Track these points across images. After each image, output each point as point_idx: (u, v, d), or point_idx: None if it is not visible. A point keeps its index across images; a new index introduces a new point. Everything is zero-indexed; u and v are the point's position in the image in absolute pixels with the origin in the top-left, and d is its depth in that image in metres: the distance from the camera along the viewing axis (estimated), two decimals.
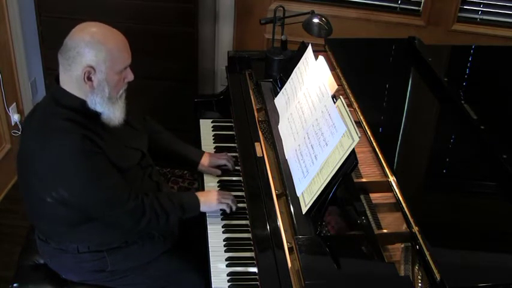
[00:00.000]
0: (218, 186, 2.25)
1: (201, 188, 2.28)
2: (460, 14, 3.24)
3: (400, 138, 2.10)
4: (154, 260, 2.06)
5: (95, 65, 1.77)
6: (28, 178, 1.89)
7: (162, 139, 2.26)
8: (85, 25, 1.82)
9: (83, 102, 1.82)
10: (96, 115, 1.84)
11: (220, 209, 2.07)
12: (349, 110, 1.78)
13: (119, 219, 1.91)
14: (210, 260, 1.95)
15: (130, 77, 1.87)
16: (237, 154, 2.32)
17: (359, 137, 1.67)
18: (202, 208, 2.05)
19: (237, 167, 2.29)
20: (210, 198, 2.06)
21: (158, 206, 1.94)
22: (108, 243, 1.98)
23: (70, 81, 1.81)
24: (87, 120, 1.81)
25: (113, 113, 1.85)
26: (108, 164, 1.83)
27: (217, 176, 2.28)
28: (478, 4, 3.21)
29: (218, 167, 2.29)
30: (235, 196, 2.17)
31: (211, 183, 2.26)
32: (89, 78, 1.78)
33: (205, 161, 2.27)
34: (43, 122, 1.82)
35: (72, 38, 1.79)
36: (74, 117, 1.79)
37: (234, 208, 2.08)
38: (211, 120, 2.60)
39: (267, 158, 2.08)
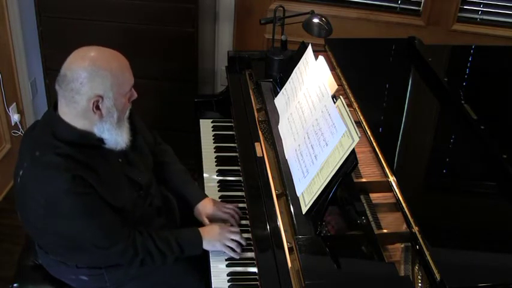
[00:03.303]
0: (218, 187, 2.25)
1: (201, 188, 2.28)
2: (460, 14, 3.24)
3: (400, 138, 2.10)
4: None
5: (102, 93, 1.70)
6: (23, 205, 1.85)
7: (168, 171, 2.15)
8: (83, 51, 1.72)
9: (84, 134, 1.75)
10: (97, 146, 1.79)
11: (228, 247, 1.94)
12: (349, 110, 1.78)
13: (110, 258, 1.88)
14: (210, 260, 1.95)
15: (134, 95, 1.83)
16: (237, 154, 2.32)
17: (359, 137, 1.67)
18: (205, 247, 1.95)
19: (237, 167, 2.28)
20: (214, 238, 1.94)
21: (153, 247, 1.87)
22: (106, 265, 1.95)
23: (74, 113, 1.73)
24: (84, 154, 1.74)
25: (120, 136, 1.80)
26: (98, 205, 1.76)
27: (217, 176, 2.27)
28: (478, 4, 3.21)
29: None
30: (236, 196, 2.18)
31: (211, 183, 2.26)
32: (97, 107, 1.72)
33: (203, 208, 2.07)
34: (37, 154, 1.74)
35: (71, 68, 1.69)
36: (69, 152, 1.71)
37: (243, 243, 1.95)
38: (211, 120, 2.60)
39: (267, 158, 2.08)
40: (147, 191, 1.98)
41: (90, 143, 1.78)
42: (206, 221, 2.06)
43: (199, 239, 1.94)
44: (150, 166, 2.05)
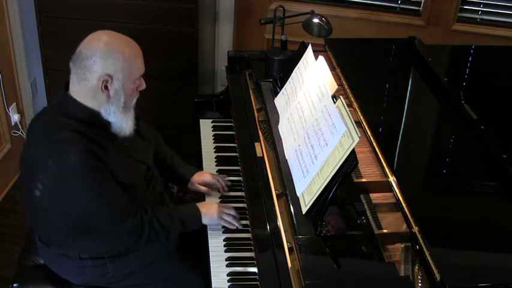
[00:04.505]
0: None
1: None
2: (460, 14, 3.24)
3: (400, 138, 2.10)
4: (155, 262, 2.05)
5: (112, 73, 1.75)
6: (30, 184, 1.87)
7: (160, 152, 2.21)
8: (99, 34, 1.80)
9: (93, 113, 1.80)
10: (105, 126, 1.83)
11: (222, 226, 2.04)
12: (349, 110, 1.78)
13: (118, 235, 1.90)
14: (210, 260, 1.95)
15: (143, 85, 1.87)
16: (237, 154, 2.32)
17: (359, 137, 1.67)
18: (204, 220, 2.03)
19: (237, 167, 2.28)
20: (212, 211, 2.03)
21: (157, 224, 1.92)
22: (110, 251, 1.97)
23: (84, 91, 1.79)
24: (94, 132, 1.79)
25: (125, 122, 1.85)
26: (110, 180, 1.81)
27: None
28: (478, 4, 3.22)
29: (208, 185, 2.22)
30: (236, 196, 2.18)
31: None
32: (106, 87, 1.77)
33: (196, 179, 2.22)
34: (48, 132, 1.79)
35: (87, 46, 1.76)
36: (80, 128, 1.77)
37: (238, 226, 2.03)
38: (211, 120, 2.60)
39: (267, 158, 2.08)
40: (152, 174, 2.04)
41: (99, 122, 1.82)
42: (201, 188, 2.20)
43: (198, 214, 2.02)
44: (153, 152, 2.10)
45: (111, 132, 1.85)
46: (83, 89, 1.79)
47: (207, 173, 2.25)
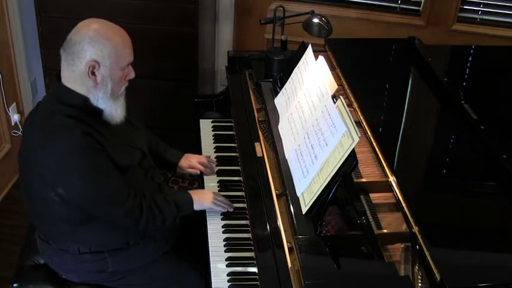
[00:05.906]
0: (218, 187, 2.24)
1: (201, 187, 2.28)
2: (460, 14, 3.24)
3: (400, 138, 2.10)
4: (154, 261, 2.06)
5: (99, 59, 1.77)
6: (29, 177, 1.89)
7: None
8: (89, 21, 1.83)
9: (85, 99, 1.82)
10: (98, 112, 1.85)
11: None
12: (349, 110, 1.78)
13: (117, 219, 1.91)
14: (210, 260, 1.95)
15: (132, 74, 1.89)
16: (237, 154, 2.32)
17: (359, 137, 1.67)
18: (196, 206, 2.05)
19: (237, 167, 2.28)
20: (203, 197, 2.06)
21: (155, 208, 1.94)
22: (110, 244, 1.98)
23: (73, 77, 1.81)
24: (88, 117, 1.81)
25: (115, 109, 1.86)
26: (109, 162, 1.83)
27: (217, 176, 2.28)
28: (478, 4, 3.21)
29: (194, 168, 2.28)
30: (236, 196, 2.18)
31: (211, 183, 2.26)
32: (93, 73, 1.79)
33: (183, 163, 2.27)
34: (44, 120, 1.82)
35: (77, 33, 1.80)
36: (75, 114, 1.79)
37: (229, 209, 2.07)
38: (211, 120, 2.60)
39: (267, 158, 2.08)
40: (149, 162, 2.06)
41: (92, 109, 1.84)
42: (191, 170, 2.27)
43: (190, 199, 2.05)
44: (146, 141, 2.12)
45: (103, 119, 1.87)
46: (71, 75, 1.81)
47: (193, 156, 2.29)
